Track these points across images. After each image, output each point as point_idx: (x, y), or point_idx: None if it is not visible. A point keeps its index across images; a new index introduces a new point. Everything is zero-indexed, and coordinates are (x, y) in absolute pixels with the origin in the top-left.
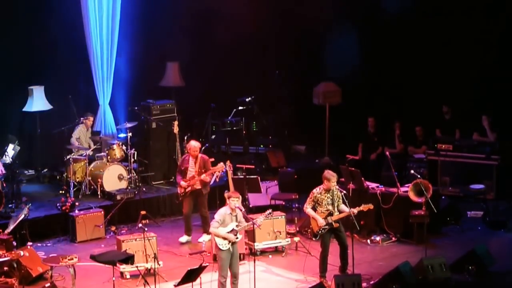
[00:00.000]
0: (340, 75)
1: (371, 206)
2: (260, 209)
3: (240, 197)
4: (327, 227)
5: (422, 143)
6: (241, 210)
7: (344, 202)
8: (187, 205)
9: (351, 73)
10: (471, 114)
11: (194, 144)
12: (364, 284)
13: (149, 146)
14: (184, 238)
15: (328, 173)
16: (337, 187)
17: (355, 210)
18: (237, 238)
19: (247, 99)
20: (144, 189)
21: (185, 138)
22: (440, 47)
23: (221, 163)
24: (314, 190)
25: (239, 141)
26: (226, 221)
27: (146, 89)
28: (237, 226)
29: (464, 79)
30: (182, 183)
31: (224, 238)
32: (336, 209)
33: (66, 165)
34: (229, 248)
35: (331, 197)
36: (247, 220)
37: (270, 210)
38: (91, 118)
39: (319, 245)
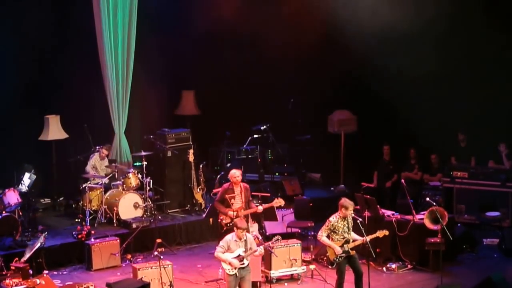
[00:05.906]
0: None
1: (386, 232)
2: None
3: (248, 227)
4: (343, 255)
5: (437, 171)
6: (258, 239)
7: (360, 230)
8: None
9: (366, 101)
10: (487, 142)
11: (235, 171)
12: None
13: (164, 174)
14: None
15: (346, 201)
16: (353, 214)
17: (368, 238)
18: (242, 263)
19: (262, 127)
20: (159, 217)
21: (201, 166)
22: (454, 76)
23: (279, 199)
24: (331, 218)
25: (254, 169)
26: (232, 247)
27: (161, 118)
28: (244, 252)
29: (479, 107)
30: (231, 213)
31: (229, 263)
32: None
33: (82, 193)
34: (236, 273)
35: (347, 225)
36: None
37: (277, 237)
38: (108, 150)
39: (335, 272)
